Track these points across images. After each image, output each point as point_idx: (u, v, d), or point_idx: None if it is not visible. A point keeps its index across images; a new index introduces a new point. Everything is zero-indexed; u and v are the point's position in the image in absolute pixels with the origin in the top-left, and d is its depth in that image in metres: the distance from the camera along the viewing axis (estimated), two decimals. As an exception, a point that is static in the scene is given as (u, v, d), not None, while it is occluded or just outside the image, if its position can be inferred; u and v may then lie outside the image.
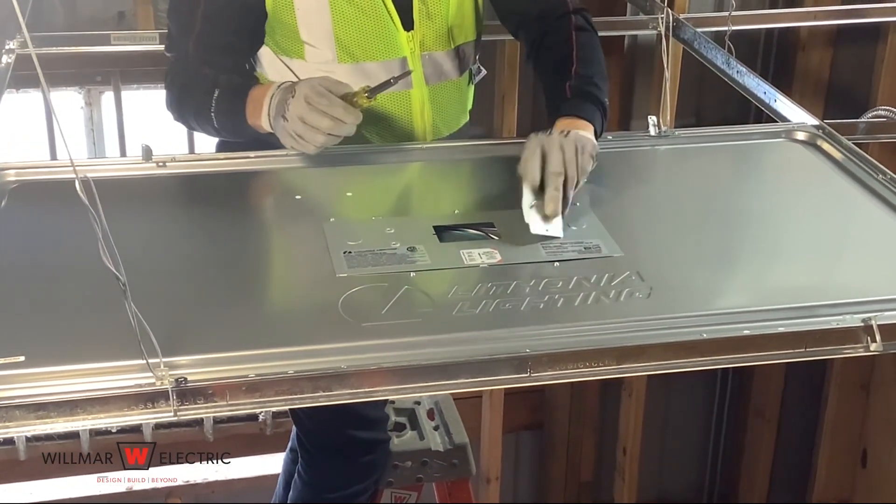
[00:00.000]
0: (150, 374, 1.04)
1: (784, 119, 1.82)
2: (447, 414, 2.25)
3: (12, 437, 2.92)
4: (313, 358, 1.11)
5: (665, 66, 1.79)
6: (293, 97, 1.48)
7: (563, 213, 1.40)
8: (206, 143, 1.83)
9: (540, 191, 1.41)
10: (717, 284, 1.34)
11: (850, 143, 1.67)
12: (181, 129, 1.95)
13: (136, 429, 2.98)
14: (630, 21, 2.89)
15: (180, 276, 1.32)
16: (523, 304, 1.24)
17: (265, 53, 1.69)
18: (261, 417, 3.13)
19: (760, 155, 1.74)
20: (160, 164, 1.57)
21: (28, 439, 2.96)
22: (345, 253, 1.33)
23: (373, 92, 1.50)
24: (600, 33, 1.73)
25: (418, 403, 2.27)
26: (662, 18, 2.05)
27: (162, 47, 1.77)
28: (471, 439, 2.22)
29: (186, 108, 1.66)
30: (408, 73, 1.61)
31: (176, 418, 1.05)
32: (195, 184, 1.57)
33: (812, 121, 1.76)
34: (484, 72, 1.87)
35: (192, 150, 2.61)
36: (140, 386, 1.04)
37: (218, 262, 1.36)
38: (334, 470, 2.00)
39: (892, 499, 3.28)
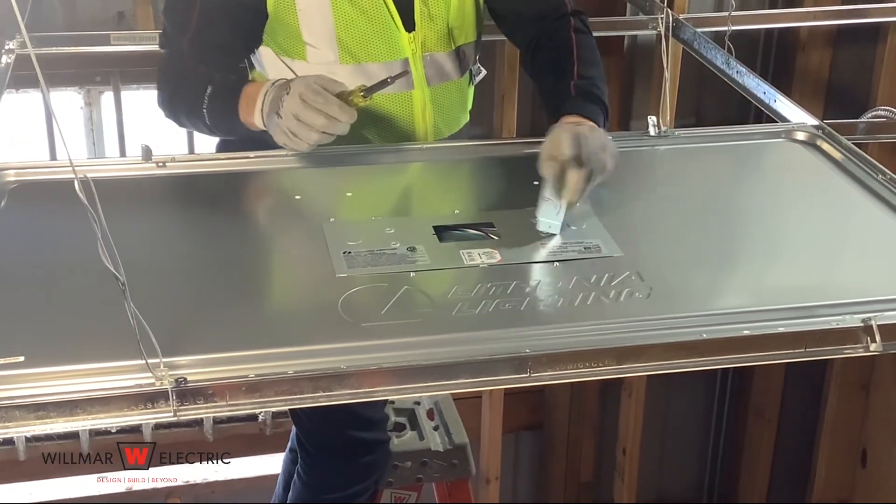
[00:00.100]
0: (150, 375, 1.04)
1: (784, 119, 1.82)
2: (447, 414, 2.25)
3: (12, 438, 2.91)
4: (313, 358, 1.11)
5: (665, 66, 1.79)
6: (288, 94, 1.47)
7: (574, 204, 1.39)
8: (206, 143, 1.83)
9: (557, 182, 1.39)
10: (717, 284, 1.34)
11: (849, 143, 1.67)
12: (181, 130, 1.95)
13: (136, 429, 2.98)
14: (630, 21, 2.88)
15: (180, 277, 1.31)
16: (523, 304, 1.24)
17: (266, 54, 1.69)
18: (261, 418, 3.12)
19: (760, 155, 1.74)
20: (160, 164, 1.57)
21: (28, 439, 2.96)
22: (344, 253, 1.33)
23: (368, 91, 1.50)
24: (600, 33, 1.73)
25: (418, 404, 2.27)
26: (662, 18, 2.05)
27: (161, 48, 1.77)
28: (471, 439, 2.22)
29: (179, 104, 1.65)
30: (404, 73, 1.61)
31: (176, 418, 1.05)
32: (195, 184, 1.57)
33: (812, 121, 1.76)
34: (484, 72, 1.87)
35: (191, 151, 2.61)
36: (140, 386, 1.04)
37: (218, 262, 1.35)
38: (334, 470, 2.00)
39: (891, 499, 3.28)
